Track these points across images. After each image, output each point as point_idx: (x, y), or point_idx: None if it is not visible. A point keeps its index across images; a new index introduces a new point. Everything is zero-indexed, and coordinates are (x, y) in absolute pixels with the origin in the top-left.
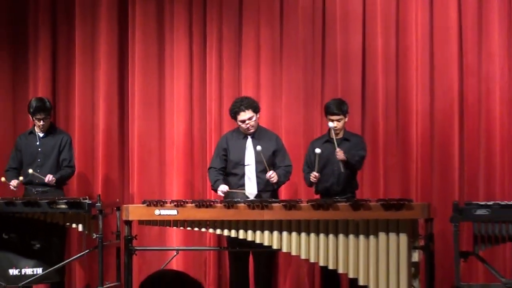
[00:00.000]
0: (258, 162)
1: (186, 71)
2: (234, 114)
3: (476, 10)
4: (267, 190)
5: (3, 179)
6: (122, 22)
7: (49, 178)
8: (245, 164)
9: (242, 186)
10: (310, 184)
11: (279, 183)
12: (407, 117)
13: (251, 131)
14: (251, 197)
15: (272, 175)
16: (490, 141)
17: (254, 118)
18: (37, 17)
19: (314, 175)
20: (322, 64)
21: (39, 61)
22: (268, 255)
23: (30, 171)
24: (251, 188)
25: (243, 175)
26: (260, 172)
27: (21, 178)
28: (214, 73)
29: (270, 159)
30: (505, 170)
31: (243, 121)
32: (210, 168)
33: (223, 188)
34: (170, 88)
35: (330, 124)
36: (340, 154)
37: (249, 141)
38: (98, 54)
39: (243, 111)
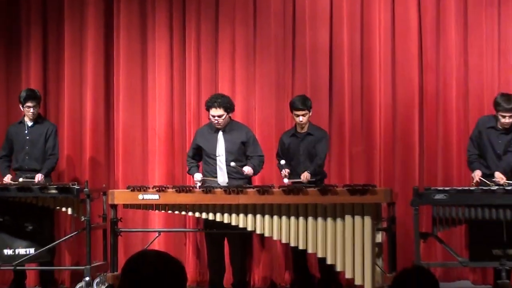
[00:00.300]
0: (228, 152)
1: (167, 66)
2: (207, 107)
3: (434, 11)
4: (240, 179)
5: None
6: (107, 21)
7: (38, 178)
8: (216, 155)
9: (215, 174)
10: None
11: (255, 173)
12: (371, 109)
13: (218, 127)
14: (222, 185)
15: (248, 171)
16: (448, 131)
17: (223, 117)
18: (29, 16)
19: (284, 174)
20: (292, 60)
21: (31, 57)
22: (241, 237)
23: (21, 179)
24: (222, 177)
25: (215, 165)
26: (229, 164)
27: (10, 177)
28: (193, 69)
29: (240, 150)
30: (462, 157)
31: (213, 116)
32: (188, 155)
33: (197, 176)
34: (152, 82)
35: (296, 119)
36: (305, 178)
37: (220, 134)
38: (85, 51)
39: (215, 108)
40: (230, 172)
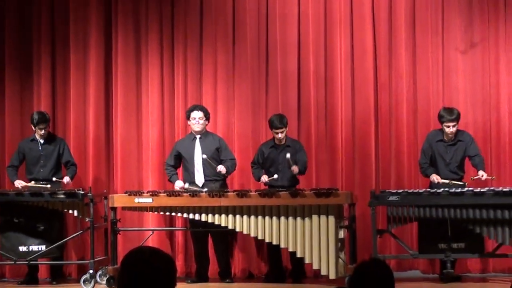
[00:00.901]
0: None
1: (158, 87)
2: (188, 113)
3: (387, 38)
4: (216, 180)
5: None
6: (107, 48)
7: (67, 179)
8: (195, 159)
9: (193, 180)
10: (258, 179)
11: (228, 173)
12: (333, 123)
13: (197, 129)
14: (200, 185)
15: (221, 169)
16: (399, 142)
17: (202, 120)
18: (39, 44)
19: (264, 181)
20: (266, 82)
21: (41, 80)
22: (223, 234)
23: (32, 183)
24: (199, 178)
25: (193, 169)
26: (206, 166)
27: (20, 183)
28: (180, 89)
29: (214, 154)
30: (411, 164)
31: (194, 118)
32: (167, 163)
33: (178, 183)
34: (145, 101)
35: (275, 135)
36: (295, 170)
37: (197, 141)
38: (88, 74)
39: (197, 111)
40: (207, 174)
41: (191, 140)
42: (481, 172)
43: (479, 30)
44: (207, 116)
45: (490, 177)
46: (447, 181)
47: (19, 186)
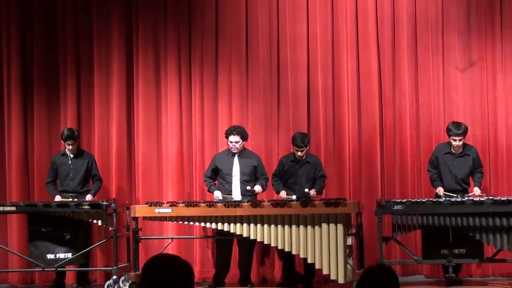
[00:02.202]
0: (242, 173)
1: (176, 106)
2: (227, 135)
3: (390, 58)
4: (249, 195)
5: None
6: (129, 70)
7: (89, 197)
8: (232, 175)
9: (230, 191)
10: (277, 192)
11: (263, 190)
12: (341, 138)
13: (235, 151)
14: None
15: (258, 190)
16: (403, 155)
17: (240, 143)
18: (65, 67)
19: (282, 197)
20: (277, 100)
21: (68, 100)
22: (249, 242)
23: (89, 197)
24: (236, 194)
25: (230, 183)
26: (242, 182)
27: (59, 197)
28: (197, 107)
29: (251, 172)
30: (415, 175)
31: (231, 142)
32: (205, 175)
33: (217, 193)
34: (165, 119)
35: (296, 153)
36: (314, 194)
37: (236, 158)
38: (111, 94)
39: (234, 135)
40: (243, 191)
41: (229, 156)
42: (475, 189)
43: (477, 50)
44: (244, 138)
45: (482, 195)
46: (450, 194)
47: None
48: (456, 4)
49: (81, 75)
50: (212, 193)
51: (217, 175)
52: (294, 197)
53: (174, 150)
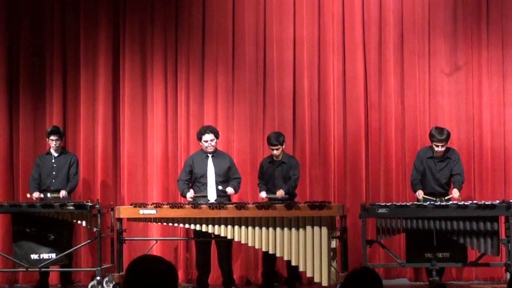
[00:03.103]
0: (217, 174)
1: (162, 107)
2: (200, 136)
3: (376, 60)
4: (224, 196)
5: (28, 195)
6: (115, 70)
7: (62, 194)
8: (207, 176)
9: (205, 193)
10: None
11: (235, 192)
12: (326, 140)
13: (210, 150)
14: (212, 201)
15: (231, 192)
16: (388, 158)
17: (214, 141)
18: (52, 66)
19: (262, 196)
20: (263, 102)
21: (54, 99)
22: (227, 244)
23: (49, 195)
24: (211, 194)
25: (205, 184)
26: (217, 183)
27: (39, 194)
28: (183, 109)
29: (226, 172)
30: (399, 179)
31: (206, 141)
32: (178, 180)
33: (190, 194)
34: (150, 119)
35: (272, 152)
36: (279, 194)
37: (210, 159)
38: (97, 94)
39: (208, 133)
40: (218, 192)
41: (203, 158)
42: (454, 190)
43: (463, 54)
44: (217, 136)
45: (458, 198)
46: (429, 198)
47: (34, 198)
48: (443, 8)
49: (67, 74)
50: (185, 197)
51: (191, 177)
52: (279, 192)
53: (159, 151)
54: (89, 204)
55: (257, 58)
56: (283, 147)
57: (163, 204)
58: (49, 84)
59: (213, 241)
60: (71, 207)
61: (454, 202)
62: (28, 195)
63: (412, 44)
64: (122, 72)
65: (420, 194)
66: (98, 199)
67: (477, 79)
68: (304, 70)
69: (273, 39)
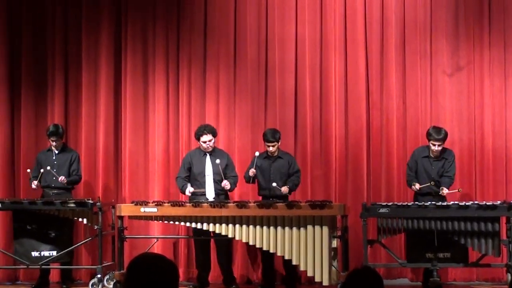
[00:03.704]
0: (215, 173)
1: (164, 105)
2: (198, 136)
3: (378, 60)
4: (221, 194)
5: (28, 170)
6: (117, 68)
7: (61, 178)
8: (205, 174)
9: (203, 190)
10: (248, 181)
11: (230, 189)
12: (328, 140)
13: (209, 150)
14: (210, 199)
15: (226, 184)
16: (389, 157)
17: (212, 141)
18: (53, 63)
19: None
20: (265, 101)
21: (55, 97)
22: (225, 242)
23: (48, 168)
24: (210, 193)
25: (203, 183)
26: (216, 181)
27: (37, 182)
28: (185, 107)
29: (223, 171)
30: (401, 179)
31: (204, 142)
32: (177, 177)
33: (190, 189)
34: (152, 117)
35: (267, 148)
36: (285, 191)
37: (208, 158)
38: (99, 92)
39: (206, 134)
40: (216, 190)
41: (201, 156)
42: (444, 189)
43: (465, 54)
44: (215, 135)
45: (457, 190)
46: (425, 185)
47: (33, 185)
48: (445, 8)
49: (69, 72)
50: (185, 193)
51: (190, 175)
52: (283, 188)
53: (161, 149)
54: (90, 201)
55: (259, 57)
56: (279, 144)
57: (164, 202)
58: (51, 81)
59: (212, 240)
60: (72, 205)
61: (455, 202)
62: (29, 170)
63: (414, 44)
64: (124, 70)
65: (416, 185)
66: (99, 197)
67: (479, 79)
68: (305, 69)
69: (275, 38)
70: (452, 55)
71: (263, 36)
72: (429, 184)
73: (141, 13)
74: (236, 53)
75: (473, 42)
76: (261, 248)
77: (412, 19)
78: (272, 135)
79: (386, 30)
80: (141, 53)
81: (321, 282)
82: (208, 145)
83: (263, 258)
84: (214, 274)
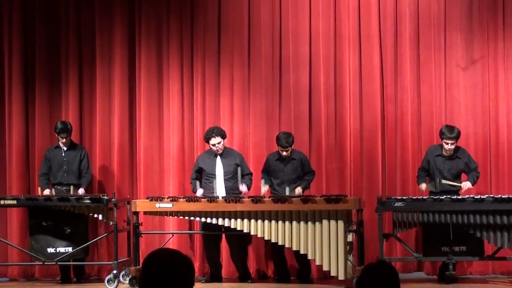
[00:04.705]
0: (225, 173)
1: (178, 100)
2: (207, 139)
3: (393, 54)
4: (233, 193)
5: (39, 192)
6: (131, 64)
7: (81, 192)
8: (216, 175)
9: (213, 191)
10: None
11: (248, 189)
12: (343, 134)
13: (219, 152)
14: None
15: (245, 190)
16: (404, 151)
17: (221, 143)
18: (67, 60)
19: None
20: (279, 96)
21: (69, 93)
22: (240, 237)
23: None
24: (220, 192)
25: (214, 182)
26: (227, 180)
27: (50, 192)
28: (199, 102)
29: (235, 170)
30: (416, 173)
31: (214, 145)
32: (191, 178)
33: (200, 191)
34: (167, 113)
35: (281, 152)
36: (298, 191)
37: (219, 158)
38: (113, 88)
39: (214, 137)
40: (227, 189)
41: (212, 157)
42: (468, 183)
43: (479, 47)
44: (224, 137)
45: (466, 190)
46: (431, 183)
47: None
48: (459, 1)
49: (83, 68)
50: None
51: (201, 175)
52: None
53: (175, 144)
54: (106, 197)
55: (273, 52)
56: (292, 147)
57: (179, 198)
58: (65, 78)
59: (223, 236)
60: (88, 201)
61: (470, 196)
62: (40, 193)
63: (428, 37)
64: (138, 66)
65: (422, 186)
66: (114, 193)
67: (493, 72)
68: (320, 64)
69: (289, 32)
70: (466, 49)
71: (277, 31)
72: (434, 182)
73: (155, 9)
74: (250, 48)
75: (487, 35)
76: (269, 241)
77: (426, 12)
78: (286, 140)
79: (400, 24)
80: (155, 49)
81: (336, 276)
82: (217, 147)
83: (272, 251)
84: (230, 269)
